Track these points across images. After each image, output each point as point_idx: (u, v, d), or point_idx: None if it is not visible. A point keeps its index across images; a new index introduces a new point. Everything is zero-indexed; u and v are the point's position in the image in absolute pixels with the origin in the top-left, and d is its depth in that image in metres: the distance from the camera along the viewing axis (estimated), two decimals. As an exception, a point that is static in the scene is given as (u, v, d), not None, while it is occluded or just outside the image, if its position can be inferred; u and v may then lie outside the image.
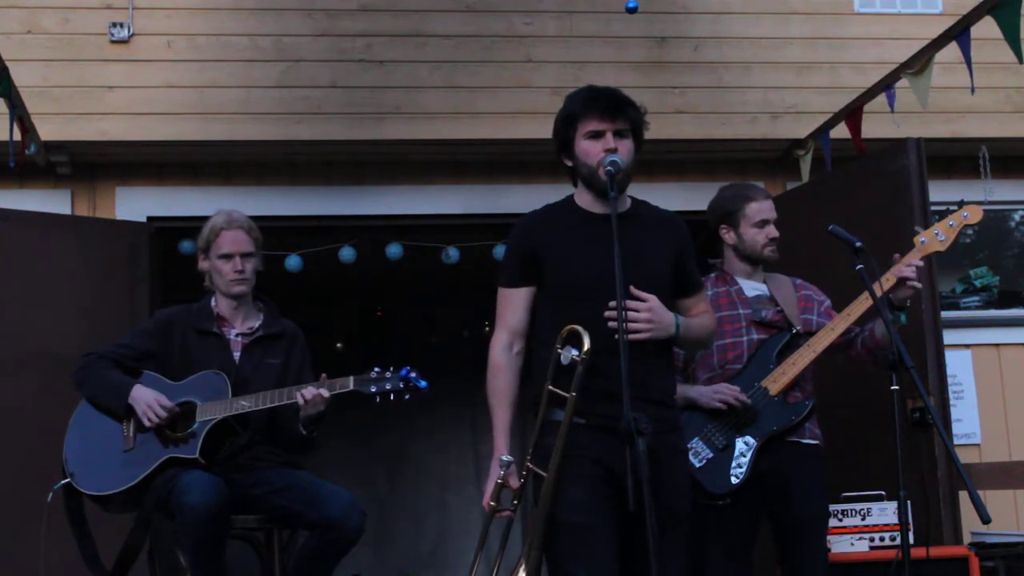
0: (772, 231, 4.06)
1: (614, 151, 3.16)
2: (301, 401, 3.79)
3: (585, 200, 3.29)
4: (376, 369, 3.83)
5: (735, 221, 4.07)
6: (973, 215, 3.98)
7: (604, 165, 3.14)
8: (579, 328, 3.03)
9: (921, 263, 3.87)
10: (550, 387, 3.11)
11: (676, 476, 3.16)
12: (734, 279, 4.08)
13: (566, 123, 3.25)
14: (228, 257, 4.01)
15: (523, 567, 3.01)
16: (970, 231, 4.13)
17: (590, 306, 3.10)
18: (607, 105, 3.20)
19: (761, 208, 4.07)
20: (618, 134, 3.20)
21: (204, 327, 4.05)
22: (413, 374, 3.83)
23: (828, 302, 4.14)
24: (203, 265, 4.09)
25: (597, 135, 3.20)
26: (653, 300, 3.11)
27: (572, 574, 3.04)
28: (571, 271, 3.19)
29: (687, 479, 3.28)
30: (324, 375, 3.88)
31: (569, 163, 3.29)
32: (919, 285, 3.85)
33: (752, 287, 4.09)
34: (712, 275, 4.13)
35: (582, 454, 3.08)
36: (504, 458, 3.14)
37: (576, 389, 3.03)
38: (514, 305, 3.28)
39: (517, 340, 3.28)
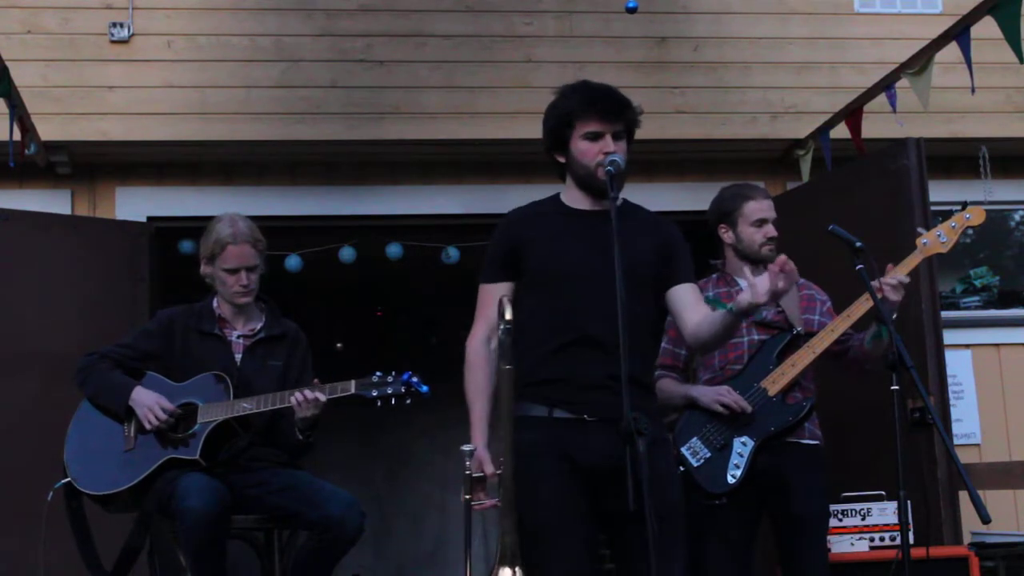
0: (770, 230, 4.05)
1: (612, 154, 3.16)
2: (295, 403, 3.78)
3: (573, 197, 3.29)
4: (378, 373, 3.83)
5: (733, 221, 4.07)
6: (975, 216, 3.98)
7: (604, 166, 3.13)
8: (503, 299, 3.02)
9: (894, 281, 3.85)
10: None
11: (661, 465, 3.08)
12: (734, 280, 4.08)
13: (562, 120, 3.25)
14: (234, 271, 4.01)
15: (503, 557, 2.99)
16: (970, 231, 4.12)
17: (576, 297, 3.11)
18: (609, 108, 3.20)
19: (759, 207, 4.07)
20: (616, 136, 3.20)
21: (206, 328, 4.05)
22: (415, 379, 3.82)
23: (829, 302, 4.14)
24: (206, 270, 4.07)
25: (596, 136, 3.19)
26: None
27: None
28: (558, 262, 3.18)
29: (674, 469, 3.27)
30: (316, 380, 3.87)
31: (561, 159, 3.28)
32: (895, 297, 3.83)
33: (752, 288, 4.08)
34: (713, 275, 4.14)
35: (548, 451, 3.06)
36: (465, 448, 3.10)
37: (509, 361, 3.00)
38: (493, 300, 3.24)
39: (495, 335, 3.23)
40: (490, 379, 3.20)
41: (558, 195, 3.34)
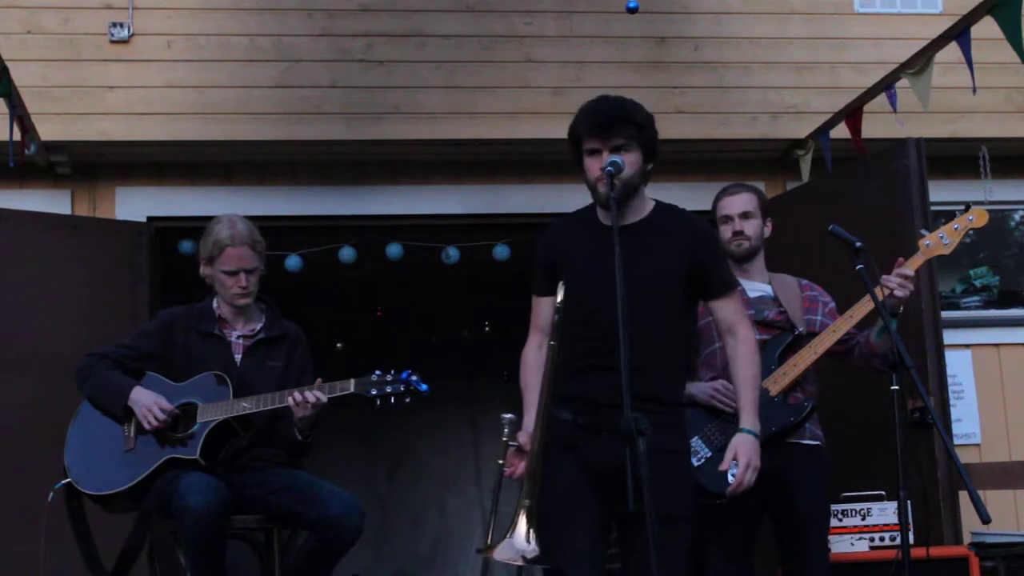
0: (736, 225, 4.07)
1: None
2: (293, 403, 3.78)
3: (601, 212, 3.39)
4: (377, 372, 3.83)
5: (716, 223, 4.11)
6: (979, 219, 3.97)
7: (604, 167, 3.20)
8: (560, 284, 3.23)
9: (910, 273, 3.86)
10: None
11: (667, 475, 3.13)
12: (737, 280, 4.08)
13: (572, 139, 3.37)
14: (232, 273, 4.00)
15: (521, 517, 3.07)
16: (972, 232, 4.11)
17: (596, 315, 3.20)
18: (597, 124, 3.29)
19: (723, 204, 4.12)
20: (616, 149, 3.27)
21: (206, 329, 4.05)
22: (414, 377, 3.83)
23: (833, 304, 4.14)
24: (205, 271, 4.07)
25: (594, 152, 3.30)
26: (744, 457, 3.29)
27: (552, 561, 3.15)
28: (576, 279, 3.29)
29: (681, 478, 3.28)
30: (319, 380, 3.87)
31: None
32: (902, 294, 3.84)
33: (755, 288, 4.09)
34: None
35: (567, 450, 3.23)
36: (506, 416, 3.23)
37: (556, 339, 3.19)
38: (542, 310, 3.44)
39: (546, 341, 3.38)
40: (539, 378, 3.35)
41: (594, 205, 3.44)
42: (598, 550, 3.22)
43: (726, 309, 3.40)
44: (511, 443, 3.34)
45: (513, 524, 3.04)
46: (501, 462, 3.31)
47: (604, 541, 3.29)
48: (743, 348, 3.37)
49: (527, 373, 3.44)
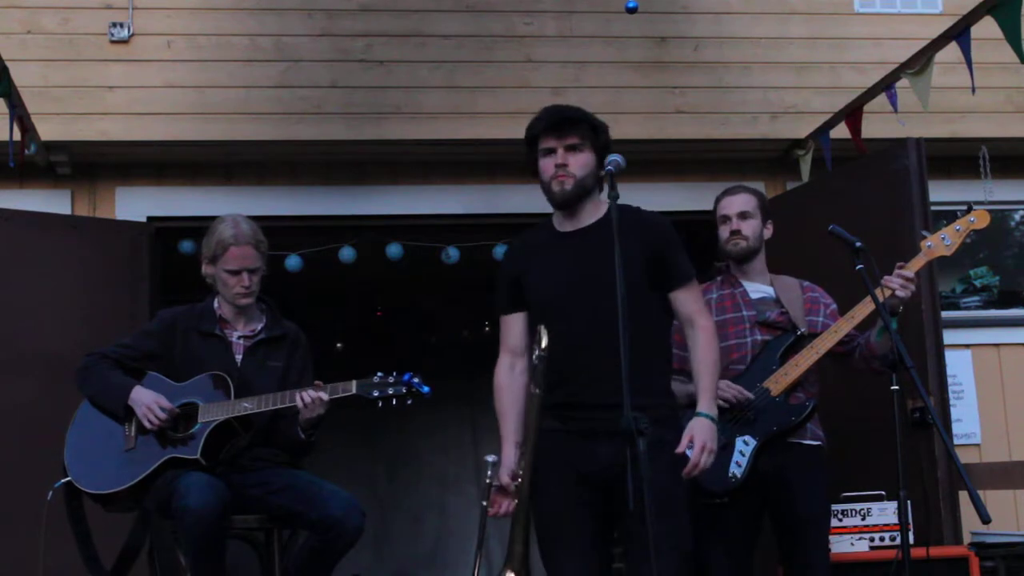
0: (733, 225, 4.08)
1: (563, 167, 3.32)
2: (300, 404, 3.79)
3: (557, 219, 3.46)
4: (379, 374, 3.84)
5: (717, 224, 4.11)
6: (980, 220, 3.98)
7: (605, 164, 3.22)
8: (541, 328, 3.20)
9: (910, 274, 3.87)
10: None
11: (659, 469, 3.13)
12: (739, 281, 4.09)
13: (529, 145, 3.42)
14: (235, 273, 4.01)
15: (510, 562, 3.07)
16: (973, 233, 4.11)
17: (561, 320, 3.24)
18: (552, 122, 3.35)
19: (721, 205, 4.14)
20: (570, 148, 3.34)
21: (206, 329, 4.05)
22: (416, 379, 3.83)
23: (834, 305, 4.14)
24: (207, 271, 4.07)
25: (549, 152, 3.36)
26: (699, 440, 3.22)
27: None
28: (541, 291, 3.34)
29: (666, 474, 3.23)
30: (317, 382, 3.88)
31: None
32: (903, 295, 3.84)
33: (757, 289, 4.09)
34: (718, 278, 4.15)
35: (555, 461, 3.25)
36: (489, 458, 3.23)
37: (540, 387, 3.18)
38: (511, 329, 3.47)
39: (518, 360, 3.44)
40: (516, 400, 3.40)
41: (551, 217, 3.49)
42: (589, 569, 3.25)
43: (685, 301, 3.40)
44: (494, 484, 3.33)
45: (503, 569, 3.06)
46: (485, 503, 3.29)
47: (603, 553, 3.31)
48: (702, 336, 3.38)
49: (501, 395, 3.44)
